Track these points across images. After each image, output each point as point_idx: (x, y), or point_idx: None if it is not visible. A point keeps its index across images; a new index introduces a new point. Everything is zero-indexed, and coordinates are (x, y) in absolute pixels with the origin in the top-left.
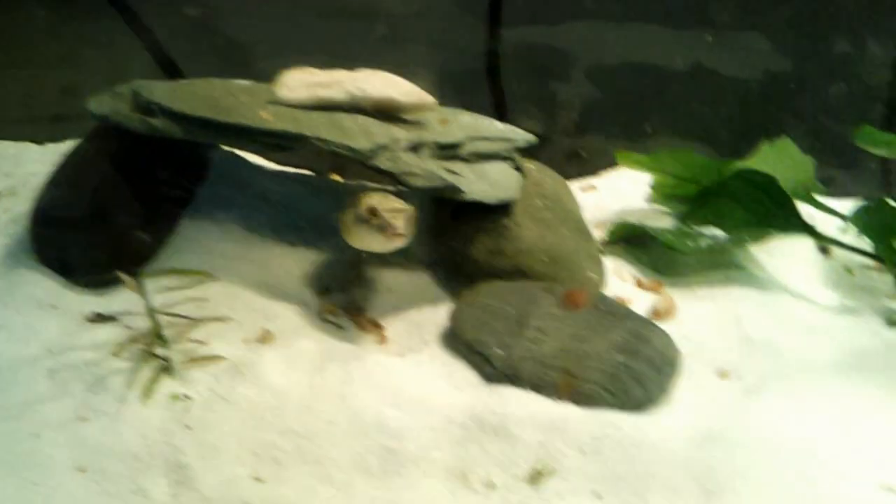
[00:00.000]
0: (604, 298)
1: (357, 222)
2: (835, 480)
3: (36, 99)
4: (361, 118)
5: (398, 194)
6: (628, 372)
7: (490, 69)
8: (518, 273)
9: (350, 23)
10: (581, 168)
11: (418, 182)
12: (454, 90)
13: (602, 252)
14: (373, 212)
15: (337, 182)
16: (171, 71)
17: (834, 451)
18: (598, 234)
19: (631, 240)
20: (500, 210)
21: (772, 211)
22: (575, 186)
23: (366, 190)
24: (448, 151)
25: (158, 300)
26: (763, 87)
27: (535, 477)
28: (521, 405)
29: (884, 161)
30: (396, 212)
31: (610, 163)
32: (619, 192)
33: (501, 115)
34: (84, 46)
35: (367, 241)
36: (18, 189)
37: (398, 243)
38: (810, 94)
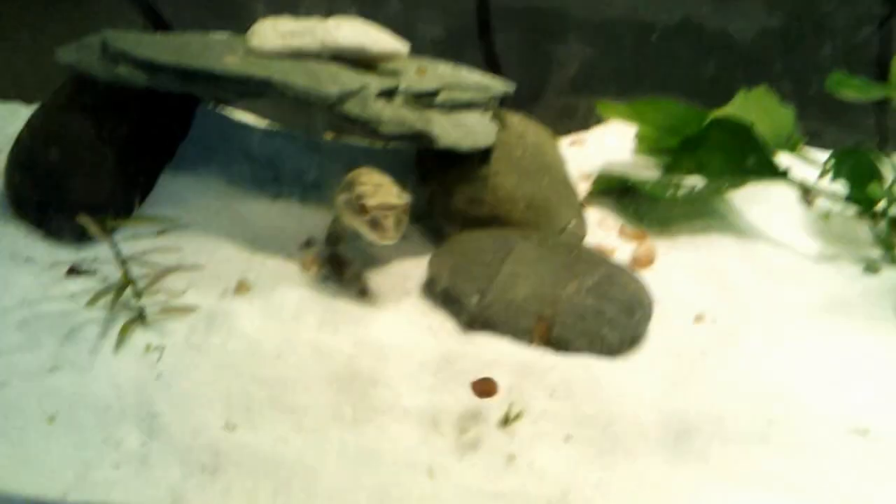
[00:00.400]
0: (580, 245)
1: (348, 208)
2: (805, 423)
3: (26, 59)
4: (333, 66)
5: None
6: (600, 316)
7: (482, 27)
8: (497, 221)
9: None
10: (571, 124)
11: (387, 129)
12: (447, 48)
13: (585, 202)
14: (364, 208)
15: (327, 139)
16: (163, 29)
17: (805, 394)
18: (584, 185)
19: (615, 191)
20: (479, 159)
21: (747, 158)
22: (564, 141)
23: (361, 171)
24: (423, 100)
25: (134, 252)
26: (753, 43)
27: (507, 420)
28: (494, 350)
29: (877, 115)
30: (389, 209)
31: (598, 118)
32: (606, 145)
33: (494, 72)
34: (76, 7)
35: (357, 227)
36: (4, 148)
37: (387, 241)
38: (800, 50)
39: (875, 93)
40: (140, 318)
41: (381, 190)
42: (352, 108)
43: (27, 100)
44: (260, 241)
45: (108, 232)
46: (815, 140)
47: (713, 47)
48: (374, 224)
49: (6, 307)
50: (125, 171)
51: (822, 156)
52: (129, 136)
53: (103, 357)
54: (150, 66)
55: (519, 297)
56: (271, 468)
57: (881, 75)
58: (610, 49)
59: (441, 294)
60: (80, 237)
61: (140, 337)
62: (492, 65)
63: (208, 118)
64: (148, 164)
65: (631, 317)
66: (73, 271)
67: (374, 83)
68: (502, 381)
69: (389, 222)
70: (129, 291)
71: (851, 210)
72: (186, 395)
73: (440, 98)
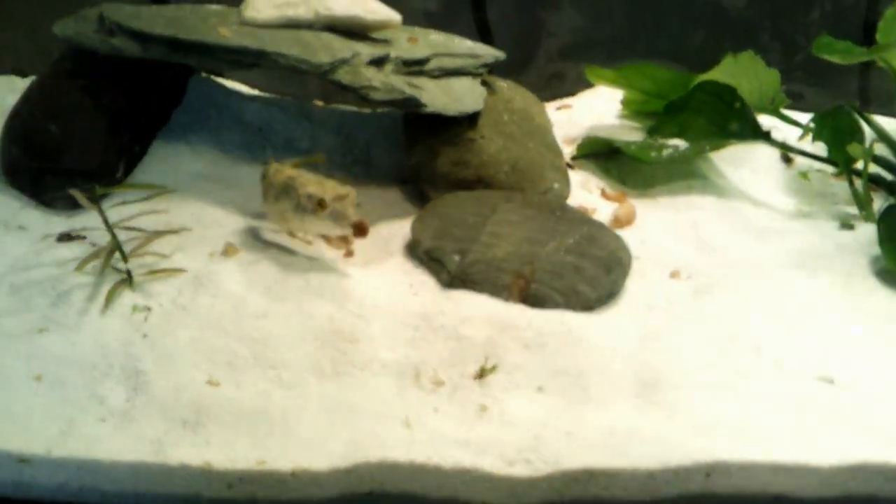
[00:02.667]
0: (563, 206)
1: (298, 212)
2: (774, 373)
3: (22, 32)
4: (326, 35)
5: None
6: (578, 273)
7: None
8: (481, 183)
9: None
10: (560, 89)
11: (377, 95)
12: (442, 16)
13: (570, 165)
14: (321, 203)
15: (317, 106)
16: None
17: (776, 346)
18: (569, 149)
19: (599, 153)
20: (466, 123)
21: (730, 120)
22: (551, 106)
23: (286, 173)
24: (413, 67)
25: (124, 217)
26: (741, 7)
27: (482, 373)
28: (473, 306)
29: (861, 77)
30: (344, 197)
31: (588, 84)
32: (593, 110)
33: (485, 39)
34: None
35: (312, 226)
36: None
37: (347, 231)
38: (788, 15)
39: (858, 56)
40: (128, 280)
41: (325, 184)
42: (343, 75)
43: (24, 72)
44: (249, 206)
45: (99, 199)
46: (801, 103)
47: (703, 14)
48: (336, 216)
49: None
50: (118, 140)
51: (805, 118)
52: (123, 106)
53: (91, 318)
54: (145, 38)
55: (499, 256)
56: (251, 421)
57: (868, 38)
58: (601, 17)
59: (424, 254)
60: (74, 205)
61: (128, 299)
62: (484, 33)
63: (201, 86)
64: (141, 132)
65: (609, 273)
66: (65, 238)
67: (366, 51)
68: (479, 336)
69: (350, 210)
70: (118, 255)
71: (830, 170)
72: (171, 353)
73: (430, 65)
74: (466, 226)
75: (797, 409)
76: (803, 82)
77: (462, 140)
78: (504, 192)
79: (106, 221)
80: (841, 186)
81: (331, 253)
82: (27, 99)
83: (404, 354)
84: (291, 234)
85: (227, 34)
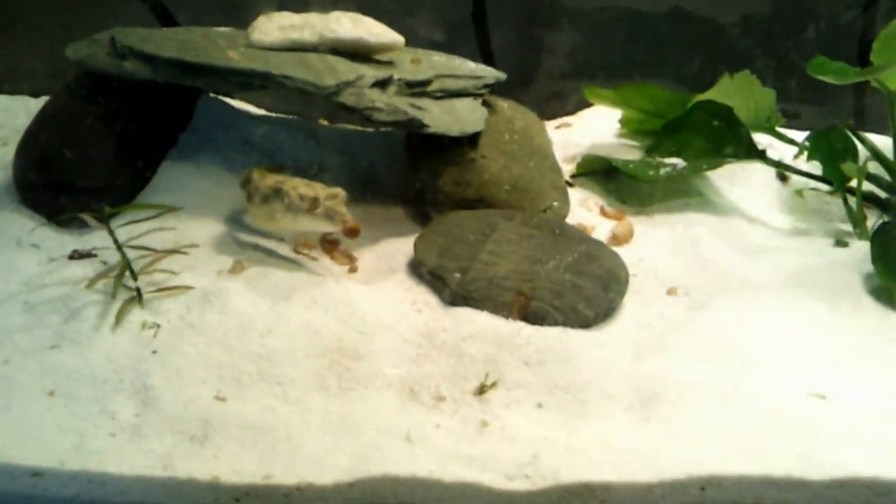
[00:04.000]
0: (562, 224)
1: (290, 213)
2: (767, 389)
3: (36, 54)
4: (331, 57)
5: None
6: (576, 290)
7: (476, 15)
8: (482, 202)
9: None
10: (560, 108)
11: (381, 116)
12: (443, 36)
13: (570, 183)
14: (316, 202)
15: (323, 126)
16: (170, 24)
17: (770, 362)
18: (569, 167)
19: (598, 172)
20: (467, 143)
21: (727, 139)
22: (551, 125)
23: (271, 177)
24: (416, 88)
25: (134, 236)
26: (740, 28)
27: (483, 389)
28: (474, 324)
29: (857, 96)
30: (336, 196)
31: (587, 104)
32: (592, 129)
33: (487, 59)
34: (86, 2)
35: (306, 225)
36: (11, 139)
37: (338, 227)
38: (785, 35)
39: (852, 77)
40: (138, 298)
41: (314, 186)
42: (347, 97)
43: (36, 93)
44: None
45: (110, 218)
46: (798, 121)
47: (700, 34)
48: (330, 214)
49: (11, 291)
50: (129, 161)
51: (802, 136)
52: (133, 127)
53: (102, 335)
54: (155, 61)
55: (499, 275)
56: (258, 435)
57: (864, 58)
58: (601, 36)
59: (426, 272)
60: (86, 224)
61: (138, 316)
62: (486, 55)
63: (210, 107)
64: (151, 152)
65: (607, 291)
66: (77, 256)
67: (370, 73)
68: (480, 353)
69: (342, 207)
70: (128, 273)
71: (826, 188)
72: (179, 369)
73: (433, 86)
74: (468, 244)
75: (790, 424)
76: (800, 101)
77: (464, 160)
78: (504, 210)
79: (116, 241)
80: (836, 204)
81: (335, 270)
82: (41, 121)
83: (407, 371)
84: (297, 251)
85: (236, 57)
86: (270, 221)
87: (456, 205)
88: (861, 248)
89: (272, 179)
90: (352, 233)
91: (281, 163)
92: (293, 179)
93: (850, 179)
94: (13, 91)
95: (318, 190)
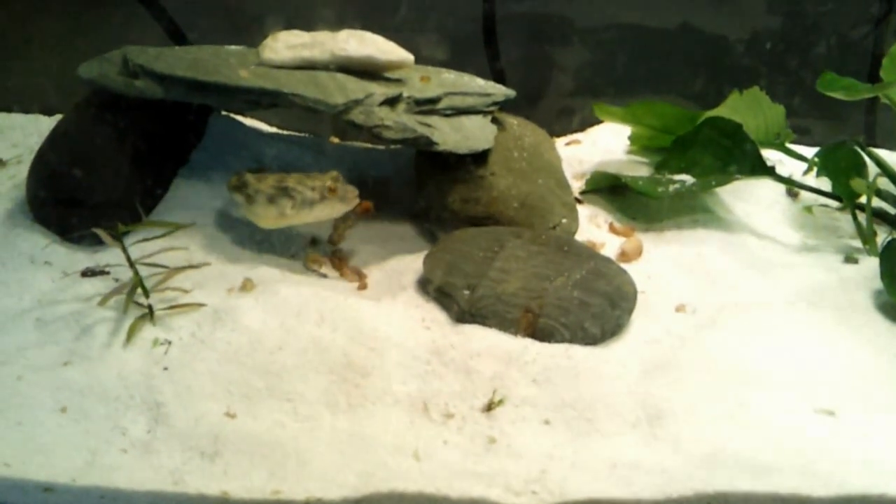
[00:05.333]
0: (570, 241)
1: (303, 206)
2: (774, 406)
3: (48, 73)
4: (341, 76)
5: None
6: (584, 308)
7: (487, 32)
8: (491, 219)
9: None
10: (569, 125)
11: (390, 134)
12: (452, 53)
13: (579, 199)
14: (332, 189)
15: (332, 143)
16: (181, 42)
17: (778, 379)
18: (578, 184)
19: (607, 188)
20: (476, 161)
21: (736, 155)
22: (560, 141)
23: (267, 177)
24: (425, 106)
25: (146, 253)
26: (749, 45)
27: (490, 406)
28: (482, 341)
29: (867, 112)
30: (336, 179)
31: (597, 119)
32: (601, 145)
33: (498, 77)
34: (98, 21)
35: (320, 214)
36: (25, 158)
37: (352, 205)
38: (795, 51)
39: (862, 93)
40: (149, 315)
41: (313, 176)
42: (357, 115)
43: (49, 112)
44: (267, 242)
45: (122, 236)
46: (808, 137)
47: (710, 51)
48: (342, 196)
49: (24, 308)
50: (141, 180)
51: (812, 152)
52: (145, 145)
53: (113, 352)
54: (167, 80)
55: (507, 292)
56: (267, 452)
57: (875, 74)
58: (611, 53)
59: (434, 289)
60: (98, 242)
61: (149, 333)
62: (497, 73)
63: (221, 124)
64: (162, 170)
65: (614, 308)
66: (89, 273)
67: (379, 91)
68: (488, 370)
69: (350, 191)
70: (139, 291)
71: (835, 204)
72: (190, 385)
73: (442, 104)
74: (476, 261)
75: (798, 441)
76: (810, 117)
77: (472, 177)
78: (513, 228)
79: (128, 258)
80: (845, 220)
81: (345, 286)
82: (53, 139)
83: (416, 388)
84: (308, 267)
85: (246, 75)
86: (280, 219)
87: (464, 222)
88: (870, 265)
89: (272, 179)
90: (366, 211)
91: (262, 166)
92: (291, 176)
93: (859, 196)
94: (27, 109)
95: (319, 178)
